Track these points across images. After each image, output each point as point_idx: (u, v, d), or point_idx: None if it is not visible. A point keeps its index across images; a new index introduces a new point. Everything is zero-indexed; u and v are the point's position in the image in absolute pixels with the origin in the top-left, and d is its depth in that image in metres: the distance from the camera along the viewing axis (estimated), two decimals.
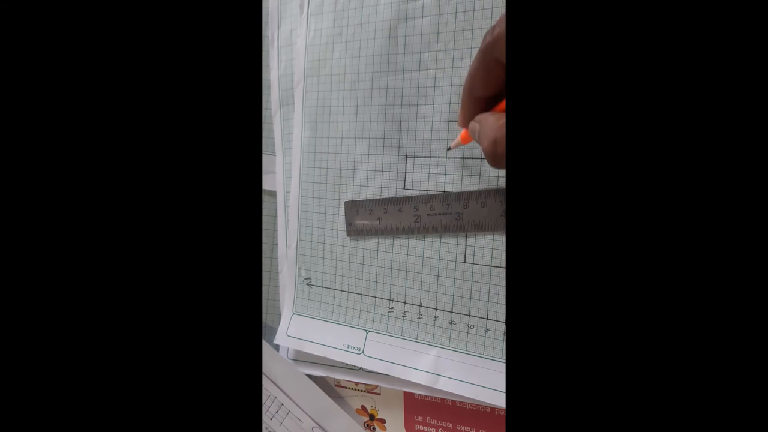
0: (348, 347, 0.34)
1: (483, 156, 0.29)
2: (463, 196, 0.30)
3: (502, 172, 0.29)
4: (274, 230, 0.39)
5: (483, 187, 0.29)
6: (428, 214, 0.31)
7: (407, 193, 0.32)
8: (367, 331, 0.33)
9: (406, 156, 0.32)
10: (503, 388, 0.29)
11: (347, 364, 0.35)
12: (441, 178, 0.31)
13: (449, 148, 0.30)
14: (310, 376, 0.36)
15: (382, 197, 0.32)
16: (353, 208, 0.33)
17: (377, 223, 0.32)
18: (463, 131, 0.27)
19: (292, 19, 0.37)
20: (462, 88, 0.25)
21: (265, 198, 0.39)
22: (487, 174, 0.29)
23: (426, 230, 0.31)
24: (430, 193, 0.31)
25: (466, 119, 0.25)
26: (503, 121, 0.22)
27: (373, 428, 0.37)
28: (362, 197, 0.33)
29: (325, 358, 0.34)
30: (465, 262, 0.30)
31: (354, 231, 0.33)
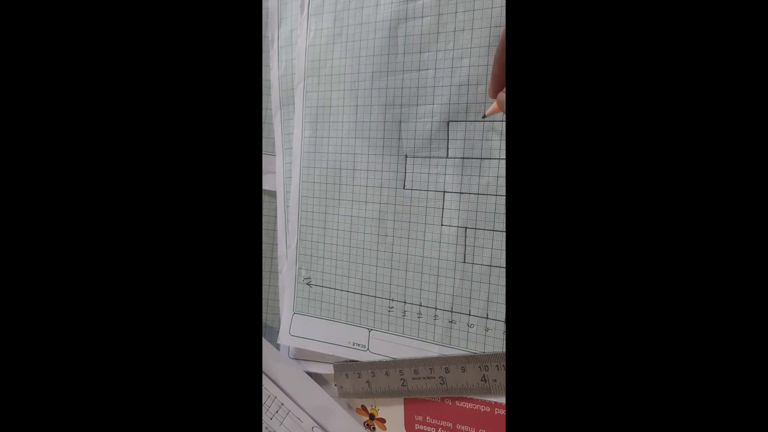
0: (353, 344, 0.34)
1: (483, 156, 0.29)
2: (444, 361, 0.31)
3: (502, 173, 0.29)
4: (274, 230, 0.39)
5: (483, 189, 0.29)
6: (413, 378, 0.32)
7: (407, 193, 0.32)
8: (370, 330, 0.34)
9: (406, 156, 0.32)
10: None
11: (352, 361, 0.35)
12: (441, 178, 0.31)
13: (485, 116, 0.29)
14: (310, 375, 0.36)
15: (371, 360, 0.33)
16: (342, 371, 0.34)
17: (366, 386, 0.33)
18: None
19: (292, 19, 0.37)
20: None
21: (265, 198, 0.39)
22: (487, 174, 0.29)
23: (413, 393, 0.32)
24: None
25: (496, 89, 0.25)
26: None
27: (373, 428, 0.37)
28: (362, 197, 0.33)
29: (331, 355, 0.34)
30: (465, 262, 0.30)
31: (345, 393, 0.35)
